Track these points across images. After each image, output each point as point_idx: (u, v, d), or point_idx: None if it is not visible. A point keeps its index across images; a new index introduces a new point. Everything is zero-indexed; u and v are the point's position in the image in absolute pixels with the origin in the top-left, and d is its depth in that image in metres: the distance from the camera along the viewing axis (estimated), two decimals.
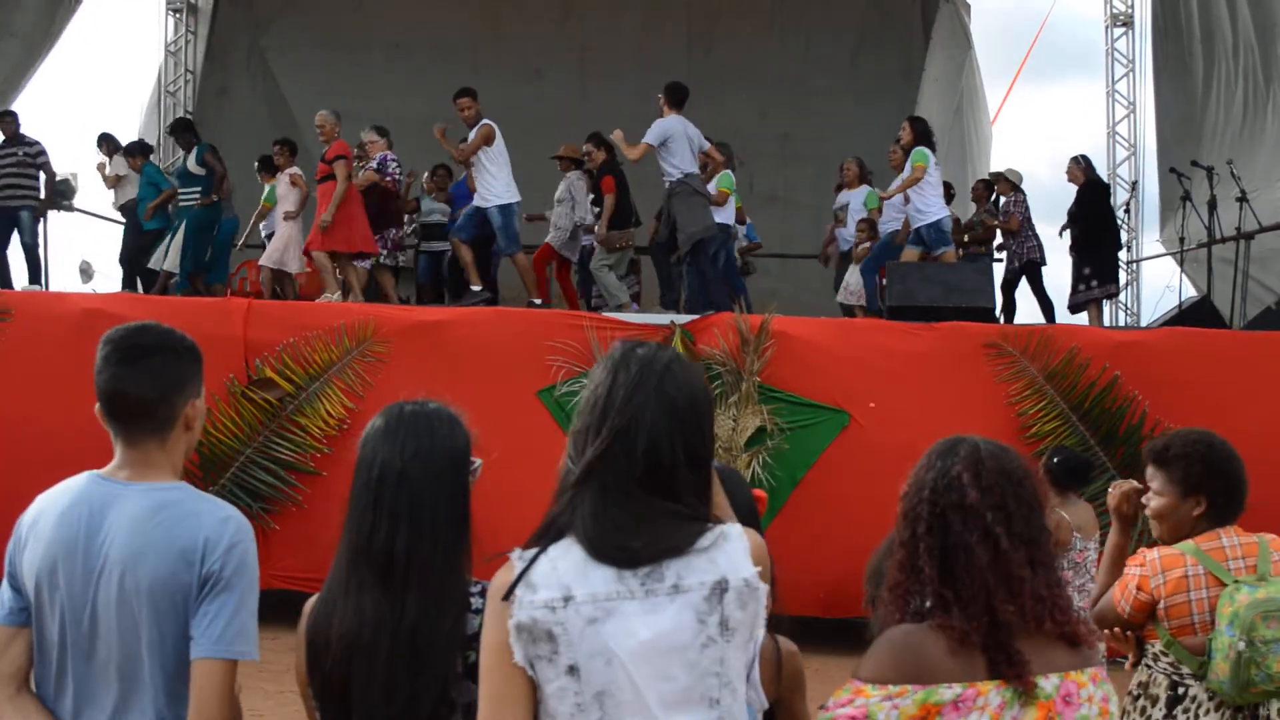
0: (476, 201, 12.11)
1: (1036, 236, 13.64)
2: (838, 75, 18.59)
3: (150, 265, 13.00)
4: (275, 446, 10.05)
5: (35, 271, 12.96)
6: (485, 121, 11.89)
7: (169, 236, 12.88)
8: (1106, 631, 4.11)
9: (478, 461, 2.81)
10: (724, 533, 2.34)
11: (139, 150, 14.05)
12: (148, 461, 2.87)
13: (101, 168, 13.95)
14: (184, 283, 12.83)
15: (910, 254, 11.75)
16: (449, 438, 2.76)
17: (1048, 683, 2.43)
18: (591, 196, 12.64)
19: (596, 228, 12.32)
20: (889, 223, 12.65)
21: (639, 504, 2.31)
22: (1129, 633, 4.07)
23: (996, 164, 17.90)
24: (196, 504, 2.84)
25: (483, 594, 2.66)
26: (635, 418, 2.33)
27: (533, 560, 2.31)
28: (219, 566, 2.75)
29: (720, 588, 2.29)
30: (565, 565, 2.29)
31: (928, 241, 11.74)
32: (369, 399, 9.90)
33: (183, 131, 13.56)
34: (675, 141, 11.59)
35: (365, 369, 10.14)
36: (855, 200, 13.41)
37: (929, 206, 11.74)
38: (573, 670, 2.26)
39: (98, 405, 2.89)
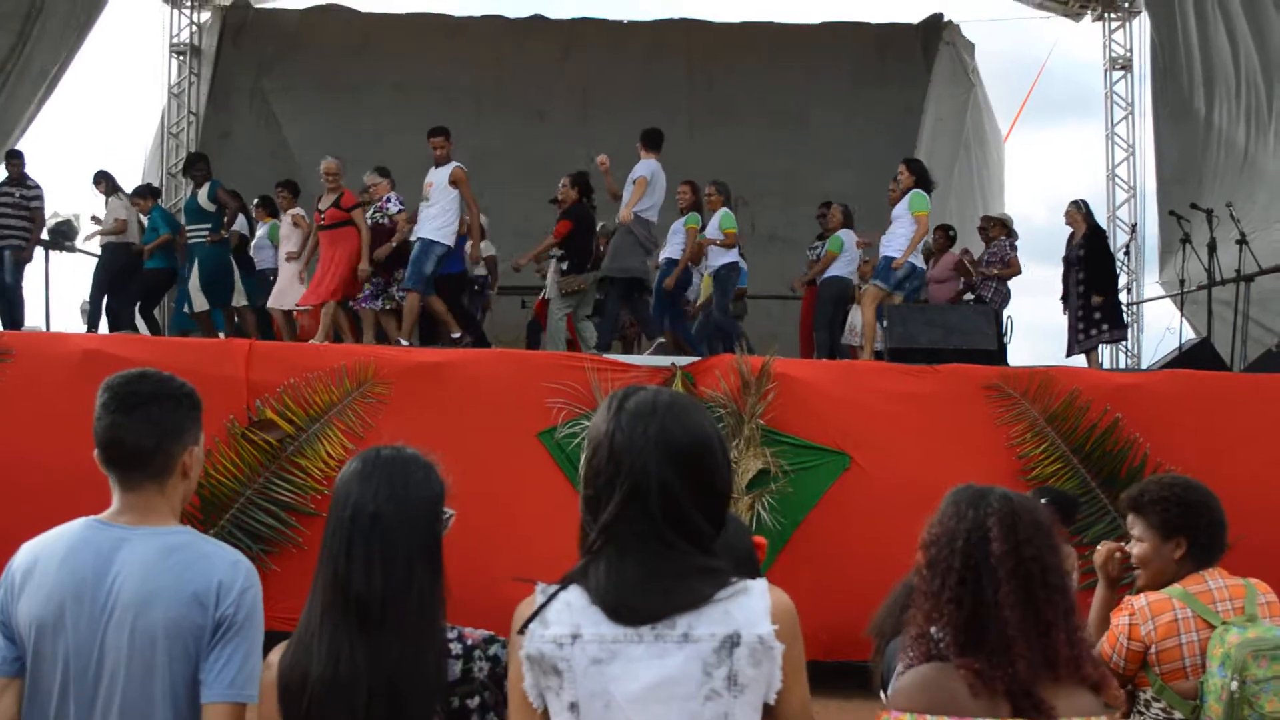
0: (415, 234, 12.05)
1: (1000, 284, 13.61)
2: (839, 112, 18.67)
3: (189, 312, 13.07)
4: (275, 488, 10.01)
5: (13, 314, 12.94)
6: (457, 165, 11.95)
7: (186, 280, 12.95)
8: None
9: (450, 512, 2.81)
10: (746, 587, 2.33)
11: (147, 193, 14.16)
12: (148, 507, 2.90)
13: (96, 220, 14.02)
14: (183, 320, 12.86)
15: (871, 290, 11.90)
16: (423, 484, 2.76)
17: None
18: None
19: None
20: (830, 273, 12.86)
21: (658, 557, 2.31)
22: (1125, 688, 4.05)
23: (1008, 203, 17.97)
24: (205, 547, 2.89)
25: (459, 639, 2.68)
26: (640, 469, 2.33)
27: (551, 596, 2.34)
28: (233, 610, 2.80)
29: (731, 641, 2.28)
30: (580, 605, 2.32)
31: (879, 273, 11.87)
32: (369, 440, 9.86)
33: (197, 165, 13.56)
34: (653, 185, 11.82)
35: (366, 410, 10.11)
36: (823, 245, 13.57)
37: (891, 243, 11.85)
38: (574, 708, 2.28)
39: (96, 451, 2.92)
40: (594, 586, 2.32)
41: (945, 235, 14.13)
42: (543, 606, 2.33)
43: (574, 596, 2.33)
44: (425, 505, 2.74)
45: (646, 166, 11.79)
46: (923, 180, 11.98)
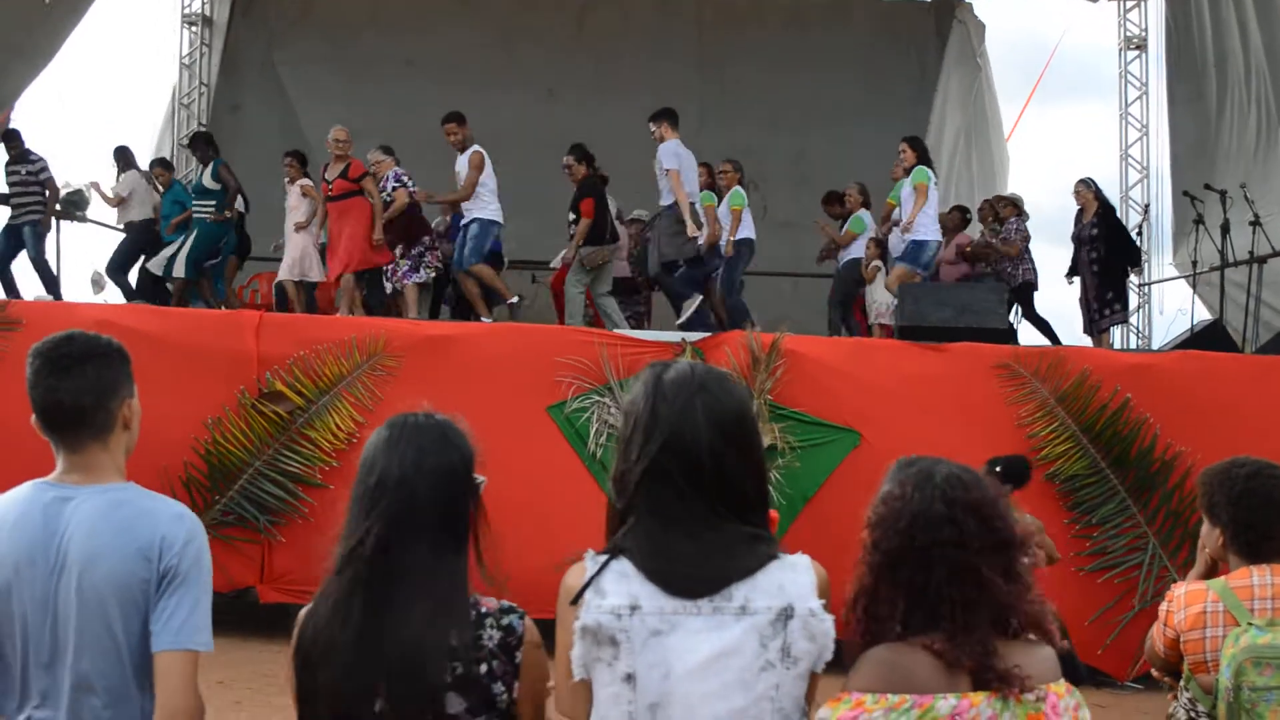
0: (465, 219, 12.12)
1: (1032, 260, 13.59)
2: (851, 94, 18.57)
3: (153, 269, 13.06)
4: (284, 460, 10.06)
5: (48, 284, 13.00)
6: (476, 148, 11.96)
7: (177, 246, 12.93)
8: (1155, 672, 4.05)
9: (480, 479, 2.77)
10: (792, 562, 2.36)
11: (164, 166, 14.24)
12: (93, 464, 2.92)
13: (96, 185, 14.02)
14: (193, 274, 12.88)
15: (900, 270, 11.87)
16: (451, 450, 2.72)
17: (1033, 694, 2.45)
18: (572, 217, 12.55)
19: (565, 250, 12.31)
20: (848, 252, 12.84)
21: (708, 527, 2.31)
22: (1169, 675, 3.98)
23: (1012, 186, 17.90)
24: (149, 502, 2.89)
25: (474, 605, 2.65)
26: (691, 439, 2.32)
27: (604, 565, 2.33)
28: (176, 562, 2.80)
29: (786, 614, 2.30)
30: (634, 575, 2.31)
31: (907, 255, 11.89)
32: (378, 413, 9.87)
33: (202, 145, 13.59)
34: (685, 166, 11.83)
35: (375, 383, 10.15)
36: (846, 224, 13.54)
37: (920, 224, 11.83)
38: (629, 678, 2.28)
39: (34, 417, 2.95)
40: (643, 558, 2.31)
41: (961, 216, 14.06)
42: (595, 576, 2.31)
43: (625, 567, 2.32)
44: (452, 470, 2.70)
45: (673, 152, 11.71)
46: (925, 158, 12.09)
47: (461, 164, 12.06)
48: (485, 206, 11.99)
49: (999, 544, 2.51)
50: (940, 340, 10.34)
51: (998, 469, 8.12)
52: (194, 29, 17.73)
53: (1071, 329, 13.58)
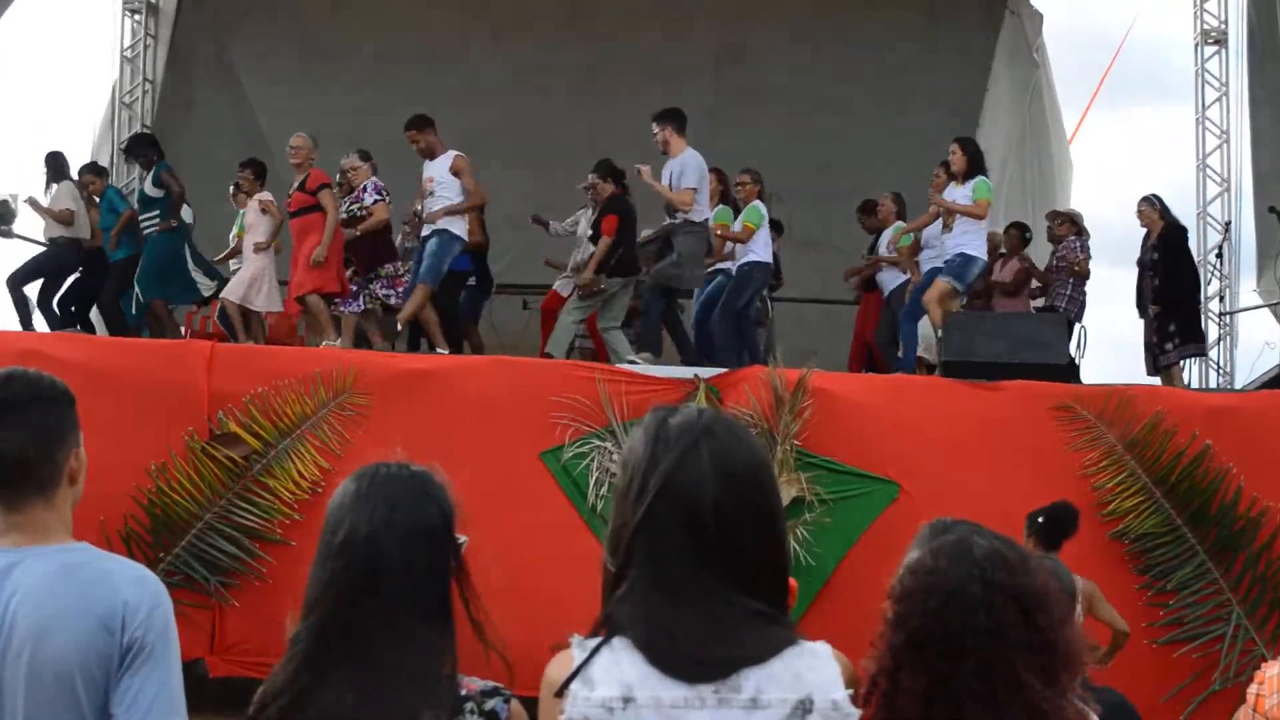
0: (426, 231, 12.16)
1: (1075, 290, 13.52)
2: (886, 95, 18.62)
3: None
4: (238, 512, 10.04)
5: None
6: (459, 154, 12.03)
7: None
8: None
9: (462, 539, 2.77)
10: (812, 649, 2.32)
11: (97, 172, 14.18)
12: (38, 524, 2.89)
13: (34, 201, 13.83)
14: (139, 316, 12.89)
15: (943, 285, 11.72)
16: (429, 505, 2.72)
17: None
18: (590, 233, 12.60)
19: (582, 271, 12.31)
20: (932, 260, 12.70)
21: (710, 598, 2.28)
22: None
23: (1075, 200, 17.89)
24: (106, 564, 2.87)
25: (468, 695, 2.65)
26: (695, 496, 2.29)
27: (594, 651, 2.30)
28: (141, 633, 2.78)
29: (804, 707, 2.27)
30: (629, 660, 2.28)
31: (944, 267, 11.81)
32: (347, 458, 9.90)
33: (143, 148, 13.63)
34: (703, 180, 11.89)
35: (343, 424, 10.17)
36: (884, 237, 13.51)
37: (964, 239, 11.77)
38: None
39: None
40: (639, 634, 2.28)
41: (1020, 235, 14.05)
42: (584, 663, 2.29)
43: (617, 648, 2.29)
44: (432, 530, 2.71)
45: (691, 161, 11.74)
46: (980, 165, 11.97)
47: (438, 170, 12.08)
48: (455, 220, 12.04)
49: (1042, 645, 2.48)
50: (992, 378, 10.37)
51: (1040, 520, 8.13)
52: (137, 18, 17.78)
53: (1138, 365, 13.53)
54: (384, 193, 12.39)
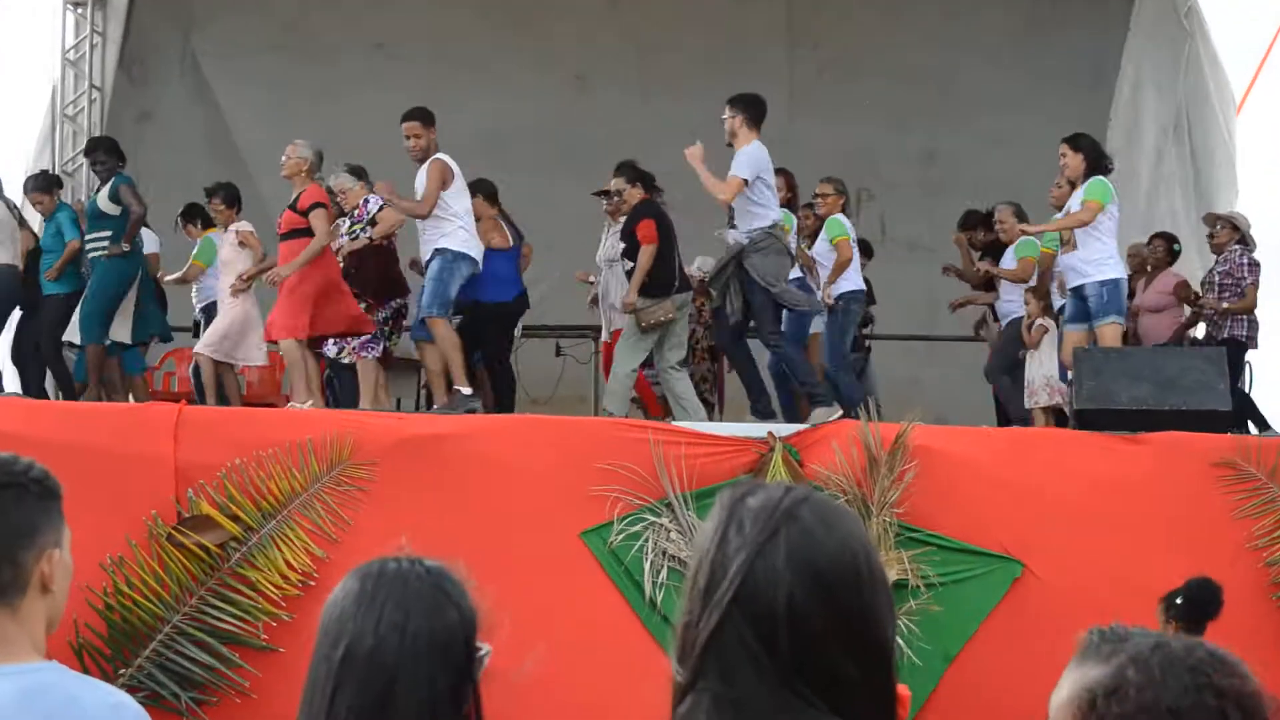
0: (424, 257, 12.21)
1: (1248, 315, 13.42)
2: (1000, 74, 18.61)
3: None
4: (213, 613, 10.04)
5: None
6: (438, 156, 12.01)
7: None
8: None
9: (485, 648, 2.79)
10: None
11: (48, 186, 14.14)
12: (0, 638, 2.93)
13: None
14: (80, 359, 13.01)
15: (1076, 336, 11.69)
16: (447, 610, 2.75)
17: None
18: (622, 247, 12.66)
19: (625, 294, 12.33)
20: (1010, 302, 12.77)
21: (786, 717, 2.27)
22: None
23: (1244, 200, 17.74)
24: (74, 688, 2.91)
25: None
26: (758, 590, 2.30)
27: None
28: None
29: None
30: None
31: (1094, 306, 11.65)
32: (345, 545, 9.98)
33: (104, 155, 13.70)
34: (768, 175, 11.81)
35: (340, 503, 10.20)
36: (1008, 259, 13.44)
37: (1098, 256, 11.64)
38: None
39: None
40: None
41: (1168, 247, 14.00)
42: None
43: None
44: (451, 641, 2.74)
45: (749, 150, 11.73)
46: (1098, 164, 11.88)
47: (420, 179, 12.11)
48: (451, 234, 11.98)
49: None
50: (1135, 429, 10.38)
51: (1179, 601, 8.16)
52: (81, 11, 17.81)
53: None
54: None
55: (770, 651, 2.27)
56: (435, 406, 12.02)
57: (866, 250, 14.43)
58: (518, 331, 13.95)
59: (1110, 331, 11.61)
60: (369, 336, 12.31)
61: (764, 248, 11.69)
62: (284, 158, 12.41)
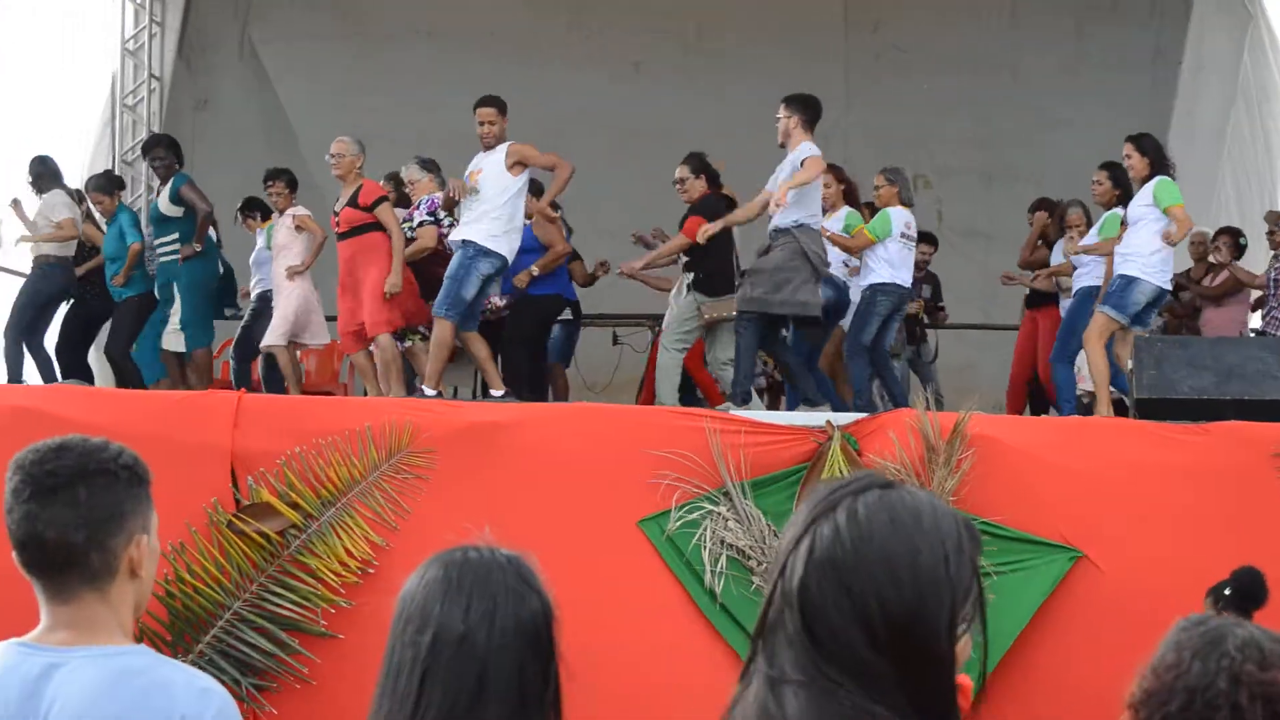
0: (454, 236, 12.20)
1: None
2: (1059, 58, 18.55)
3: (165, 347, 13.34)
4: (274, 599, 10.07)
5: None
6: (512, 143, 12.01)
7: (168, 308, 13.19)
8: None
9: None
10: None
11: (110, 187, 14.16)
12: (89, 620, 2.97)
13: (16, 205, 13.87)
14: (159, 369, 13.13)
15: (1100, 318, 11.64)
16: (531, 599, 2.79)
17: None
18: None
19: (629, 262, 12.46)
20: (1084, 277, 12.74)
21: (820, 694, 2.31)
22: None
23: None
24: (166, 672, 2.96)
25: None
26: (789, 581, 2.36)
27: None
28: None
29: None
30: None
31: (1110, 300, 11.67)
32: (405, 532, 10.04)
33: (163, 152, 13.72)
34: (815, 183, 11.84)
35: (400, 490, 10.23)
36: (1058, 245, 13.42)
37: (1130, 251, 11.63)
38: None
39: (14, 552, 3.00)
40: None
41: (1234, 242, 13.96)
42: None
43: None
44: (536, 630, 2.77)
45: (812, 152, 11.71)
46: (1163, 163, 11.80)
47: (488, 162, 12.03)
48: (483, 223, 11.91)
49: None
50: (1196, 418, 10.34)
51: (1227, 593, 8.23)
52: (139, 2, 17.87)
53: None
54: (437, 212, 12.58)
55: (810, 637, 2.32)
56: (492, 394, 12.08)
57: (930, 239, 14.43)
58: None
59: (1097, 320, 11.65)
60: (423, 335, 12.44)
61: (780, 244, 11.78)
62: (333, 156, 12.42)
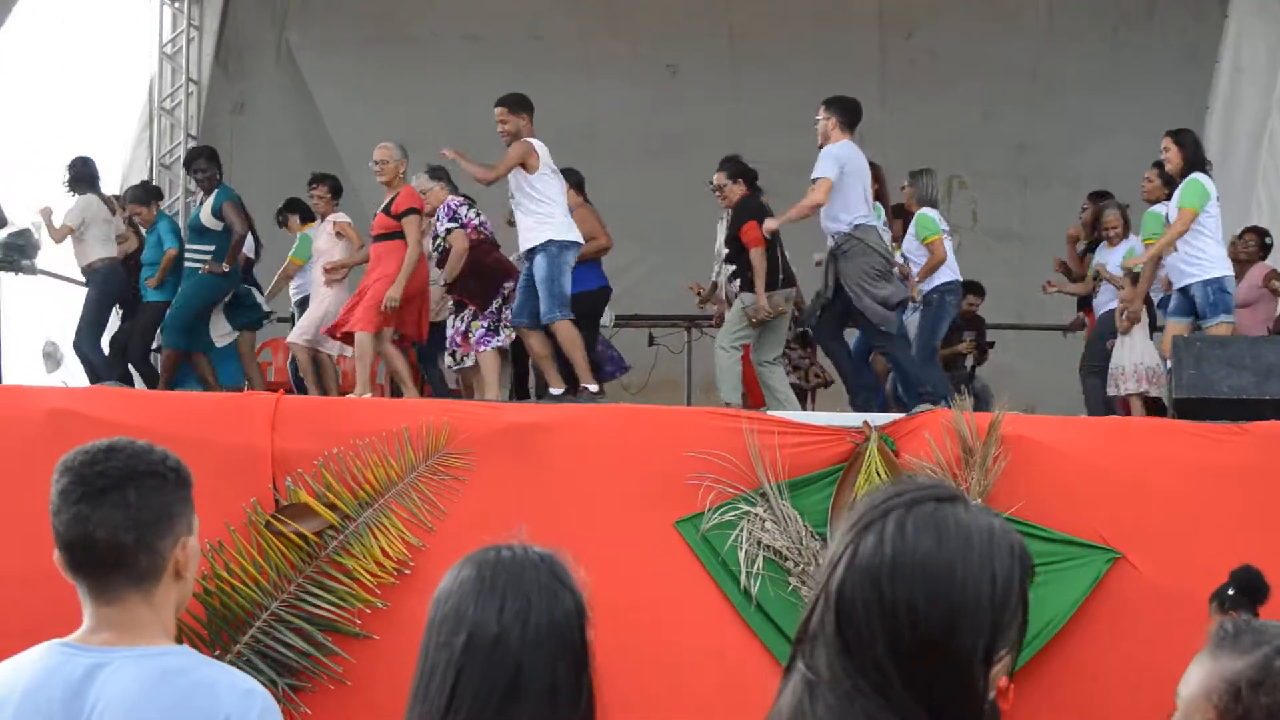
0: (523, 248, 12.21)
1: None
2: (1094, 62, 18.51)
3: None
4: (311, 600, 10.11)
5: None
6: (527, 140, 12.05)
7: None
8: None
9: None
10: None
11: (148, 197, 14.28)
12: (132, 621, 2.99)
13: (47, 213, 13.94)
14: (181, 342, 13.24)
15: (1178, 328, 11.61)
16: (565, 598, 2.79)
17: None
18: (725, 252, 12.67)
19: (740, 295, 12.28)
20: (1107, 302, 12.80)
21: (848, 699, 2.32)
22: None
23: None
24: (209, 673, 2.98)
25: None
26: (832, 586, 2.36)
27: None
28: None
29: None
30: None
31: (1200, 307, 11.58)
32: (441, 533, 10.06)
33: (204, 164, 13.76)
34: (851, 177, 11.78)
35: (436, 492, 10.25)
36: (1114, 260, 13.33)
37: (1203, 256, 11.57)
38: None
39: (57, 553, 3.02)
40: None
41: (1260, 241, 13.89)
42: None
43: None
44: (570, 630, 2.77)
45: (834, 157, 11.70)
46: (1199, 160, 11.82)
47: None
48: (548, 219, 12.00)
49: None
50: (1236, 418, 10.30)
51: (1231, 593, 8.28)
52: (178, 5, 17.96)
53: None
54: (461, 214, 12.61)
55: (841, 641, 2.33)
56: (551, 391, 12.11)
57: (978, 290, 14.57)
58: (609, 320, 13.98)
59: (1221, 332, 11.52)
60: (484, 329, 12.44)
61: (848, 250, 11.79)
62: (377, 163, 12.48)
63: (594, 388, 11.94)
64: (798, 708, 2.34)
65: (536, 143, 12.07)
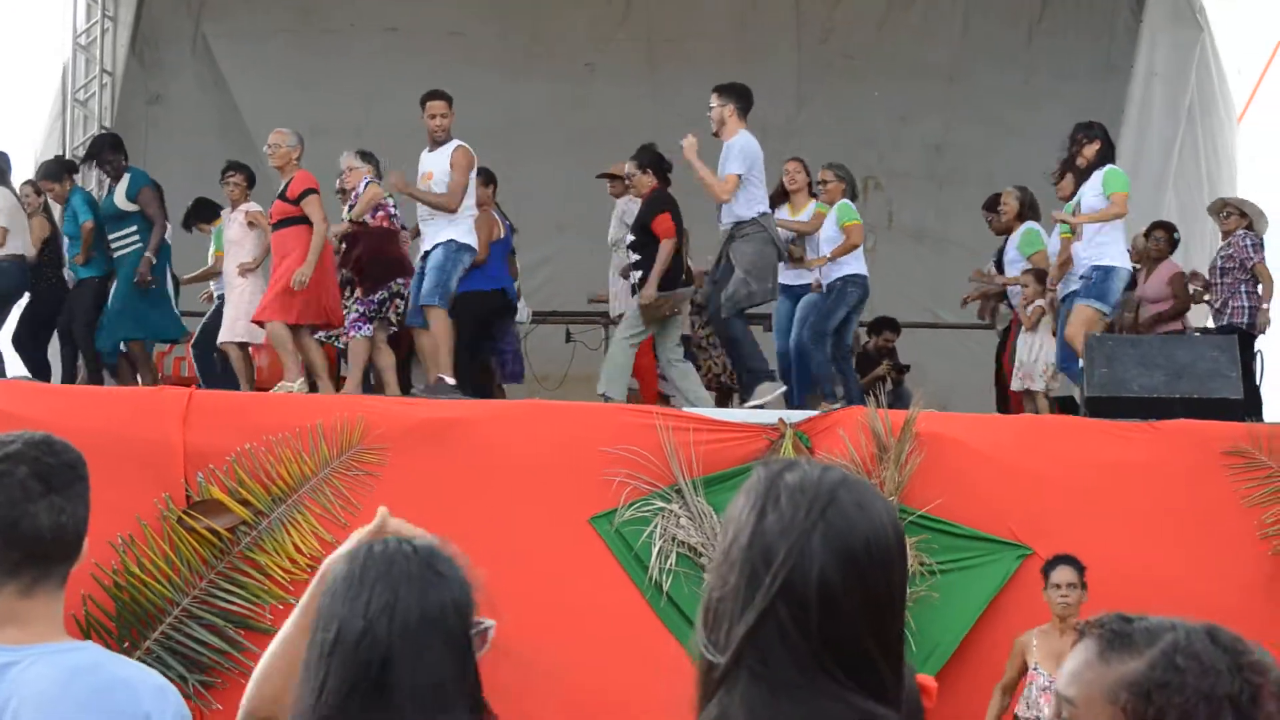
0: (426, 246, 12.18)
1: (1248, 295, 13.36)
2: (1010, 67, 18.62)
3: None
4: (223, 596, 10.07)
5: None
6: (462, 144, 12.05)
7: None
8: None
9: (488, 623, 2.79)
10: None
11: (61, 172, 14.08)
12: (38, 616, 2.94)
13: None
14: (113, 358, 13.03)
15: (1086, 312, 11.63)
16: (440, 588, 2.74)
17: None
18: (631, 239, 12.65)
19: (641, 289, 12.22)
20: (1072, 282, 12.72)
21: (816, 694, 2.27)
22: None
23: (1243, 188, 17.73)
24: (121, 670, 2.94)
25: None
26: (799, 572, 2.28)
27: None
28: None
29: None
30: None
31: (1080, 289, 11.68)
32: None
33: (110, 154, 13.69)
34: (756, 172, 11.90)
35: (351, 487, 10.23)
36: (1011, 245, 13.43)
37: (1106, 243, 11.64)
38: None
39: None
40: None
41: (1168, 237, 13.97)
42: None
43: None
44: (443, 620, 2.72)
45: (738, 143, 11.75)
46: (1109, 153, 11.95)
47: (438, 164, 12.11)
48: (458, 223, 12.02)
49: None
50: (1146, 416, 10.36)
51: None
52: None
53: None
54: (385, 202, 12.48)
55: (804, 633, 2.27)
56: (415, 389, 12.08)
57: (894, 327, 14.68)
58: (526, 317, 13.94)
59: (1083, 313, 11.58)
60: (356, 315, 12.28)
61: (749, 234, 11.85)
62: (270, 147, 12.48)
63: (451, 380, 11.76)
64: (754, 713, 2.27)
65: (469, 147, 12.14)
